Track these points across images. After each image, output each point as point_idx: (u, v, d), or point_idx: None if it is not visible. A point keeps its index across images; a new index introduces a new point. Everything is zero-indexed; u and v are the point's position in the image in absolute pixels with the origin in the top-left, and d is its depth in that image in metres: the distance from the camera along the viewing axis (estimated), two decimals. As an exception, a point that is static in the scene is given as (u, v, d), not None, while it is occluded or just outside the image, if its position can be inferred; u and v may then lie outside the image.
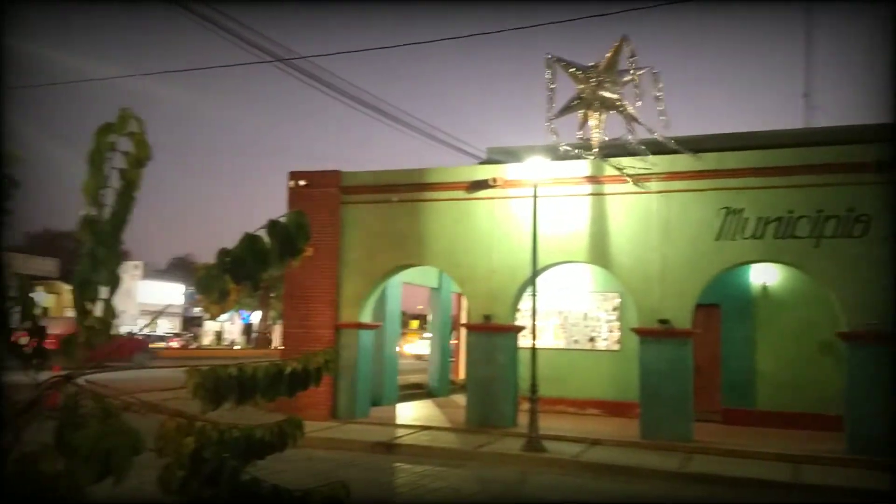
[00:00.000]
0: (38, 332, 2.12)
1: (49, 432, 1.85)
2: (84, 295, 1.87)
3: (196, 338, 61.86)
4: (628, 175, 12.03)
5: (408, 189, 13.50)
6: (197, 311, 59.01)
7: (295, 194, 14.04)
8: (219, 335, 64.81)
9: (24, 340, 2.15)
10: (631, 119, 12.27)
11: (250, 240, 2.02)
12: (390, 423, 12.97)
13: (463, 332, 19.20)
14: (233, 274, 2.02)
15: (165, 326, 52.87)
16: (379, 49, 16.91)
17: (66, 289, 34.82)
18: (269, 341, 56.97)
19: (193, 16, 11.57)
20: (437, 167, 13.89)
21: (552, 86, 12.51)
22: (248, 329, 64.68)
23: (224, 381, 2.13)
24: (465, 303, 17.44)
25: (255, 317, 60.63)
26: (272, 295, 49.98)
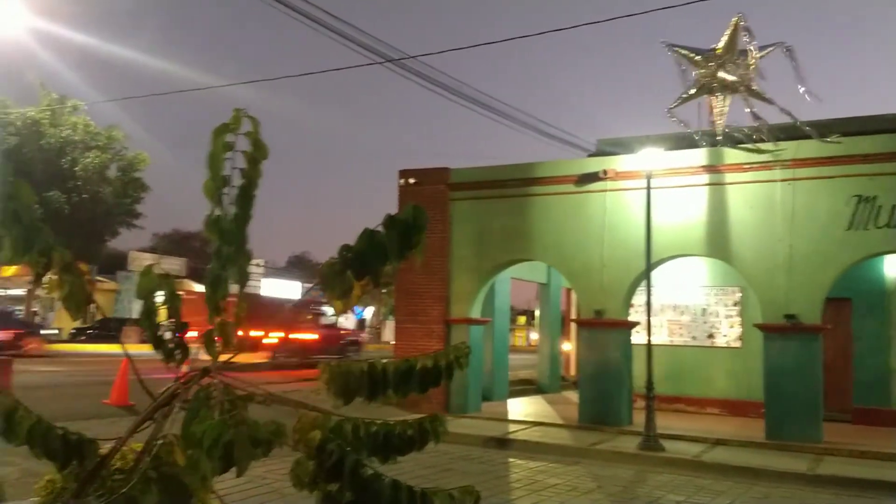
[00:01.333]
0: (180, 328, 2.22)
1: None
2: (216, 292, 1.94)
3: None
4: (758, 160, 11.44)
5: (516, 184, 13.42)
6: (314, 307, 61.05)
7: (405, 192, 14.26)
8: (334, 330, 66.76)
9: (168, 335, 2.26)
10: (758, 99, 11.68)
11: (370, 235, 2.03)
12: (502, 418, 12.95)
13: (573, 327, 18.96)
14: (354, 269, 2.04)
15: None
16: (487, 45, 16.83)
17: (194, 287, 36.82)
18: (381, 335, 58.23)
19: (306, 20, 11.94)
20: (546, 161, 13.74)
21: (682, 69, 12.10)
22: (361, 324, 66.42)
23: (355, 376, 2.16)
24: (574, 298, 17.23)
25: (368, 312, 62.19)
26: (384, 291, 51.00)
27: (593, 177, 12.66)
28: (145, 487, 1.53)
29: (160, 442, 1.79)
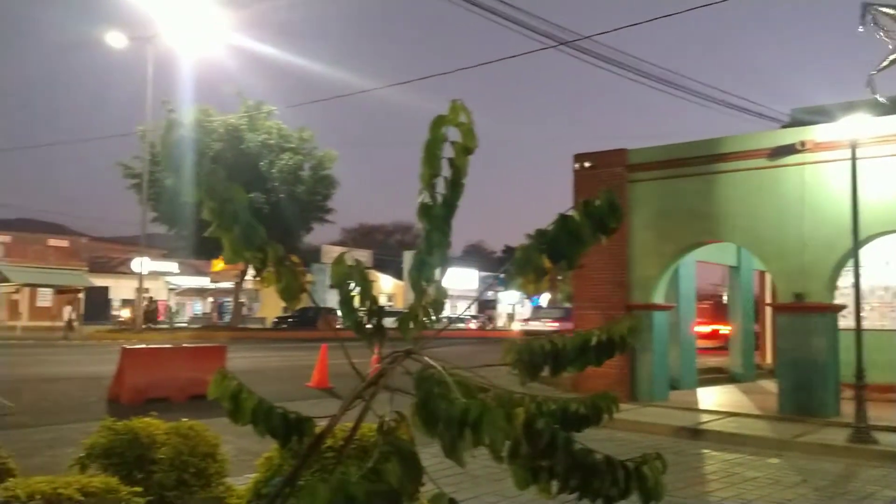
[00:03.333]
0: (378, 313, 2.34)
1: (383, 403, 2.02)
2: (421, 275, 2.03)
3: (491, 319, 65.12)
4: None
5: (701, 161, 12.76)
6: (490, 294, 62.16)
7: (580, 176, 14.04)
8: (511, 317, 67.53)
9: (364, 319, 2.38)
10: None
11: (563, 220, 2.03)
12: (692, 407, 12.43)
13: (768, 312, 17.79)
14: (548, 253, 2.05)
15: (463, 309, 56.31)
16: (664, 17, 16.09)
17: (378, 276, 38.67)
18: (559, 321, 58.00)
19: (477, 8, 12.08)
20: (733, 135, 12.94)
21: (885, 30, 10.97)
22: (536, 311, 66.49)
23: (539, 353, 2.19)
24: (769, 281, 16.13)
25: (544, 299, 62.19)
26: (559, 277, 50.72)
27: (789, 149, 11.74)
28: (386, 461, 1.63)
29: (386, 419, 1.89)
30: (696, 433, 10.33)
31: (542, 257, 2.04)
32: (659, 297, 13.40)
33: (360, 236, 72.90)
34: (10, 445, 4.37)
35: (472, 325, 53.43)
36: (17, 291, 37.80)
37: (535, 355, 2.16)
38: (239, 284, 39.66)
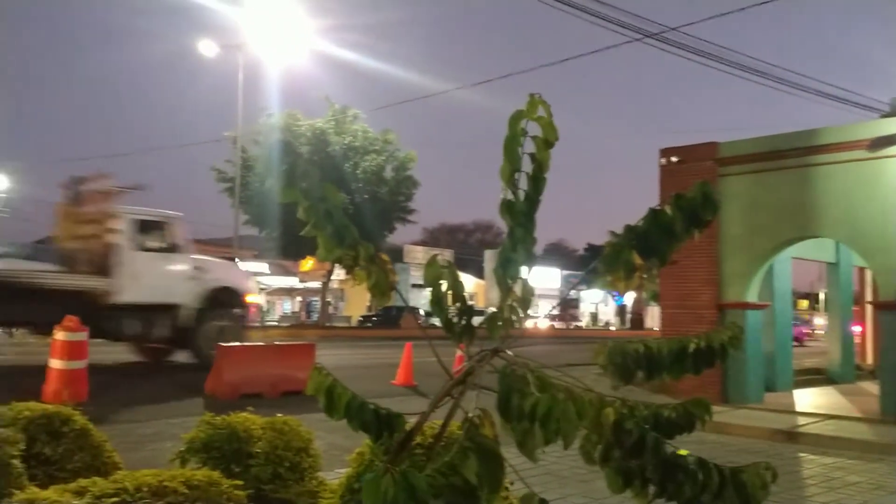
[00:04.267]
0: (467, 312, 2.36)
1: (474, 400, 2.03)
2: (507, 273, 2.03)
3: (574, 319, 64.34)
4: None
5: (797, 153, 12.24)
6: (573, 293, 61.42)
7: (667, 172, 13.69)
8: (594, 316, 66.55)
9: (455, 318, 2.40)
10: None
11: (655, 214, 1.99)
12: (788, 409, 11.94)
13: (869, 310, 16.93)
14: (639, 249, 2.01)
15: (545, 309, 55.88)
16: (754, 6, 15.55)
17: (460, 274, 38.88)
18: (643, 322, 56.79)
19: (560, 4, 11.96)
20: (831, 126, 12.36)
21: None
22: (621, 310, 65.32)
23: (632, 356, 2.15)
24: (869, 277, 15.33)
25: (629, 298, 60.98)
26: (644, 275, 49.76)
27: (890, 140, 11.12)
28: (464, 456, 1.64)
29: (471, 416, 1.90)
30: (792, 436, 9.92)
31: (632, 253, 2.01)
32: (752, 296, 12.93)
33: (442, 235, 73.37)
34: (115, 440, 4.61)
35: (556, 324, 52.93)
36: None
37: (627, 359, 2.13)
38: (326, 284, 40.60)
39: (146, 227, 14.56)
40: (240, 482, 3.04)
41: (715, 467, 1.81)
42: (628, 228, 2.01)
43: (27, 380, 10.02)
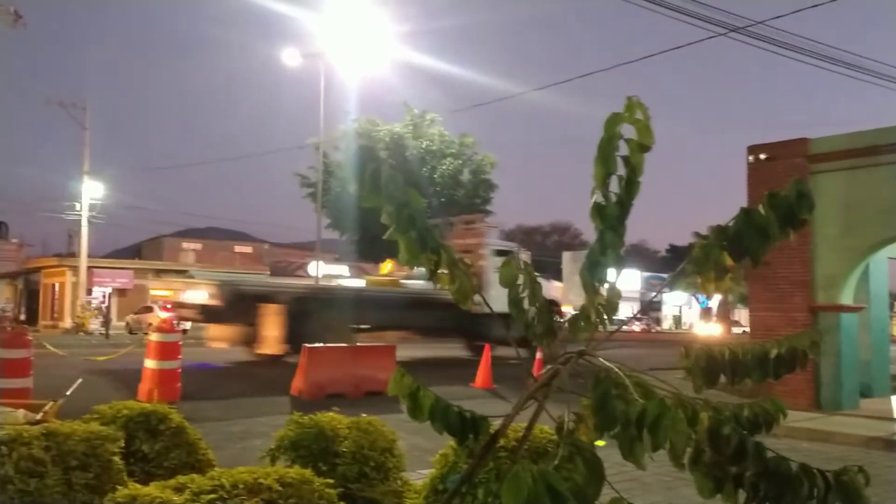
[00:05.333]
0: (547, 314, 2.34)
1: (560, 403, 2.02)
2: (594, 275, 2.01)
3: (657, 322, 62.97)
4: None
5: (893, 149, 11.62)
6: (653, 295, 60.05)
7: (755, 169, 13.25)
8: (677, 319, 64.91)
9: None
10: None
11: (747, 214, 1.93)
12: (885, 416, 11.34)
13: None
14: (730, 250, 1.96)
15: (626, 311, 54.96)
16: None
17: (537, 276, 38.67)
18: (730, 325, 55.06)
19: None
20: (932, 118, 11.68)
21: None
22: (706, 313, 63.52)
23: (717, 360, 2.10)
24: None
25: (714, 300, 59.25)
26: (734, 277, 48.28)
27: None
28: (570, 461, 1.64)
29: (568, 421, 1.89)
30: (891, 444, 9.42)
31: (722, 254, 1.96)
32: (847, 298, 12.35)
33: (518, 237, 73.12)
34: (206, 437, 4.79)
35: (636, 327, 51.90)
36: (209, 294, 41.44)
37: (713, 362, 2.08)
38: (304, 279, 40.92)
39: (500, 254, 19.17)
40: (330, 480, 3.11)
41: (819, 472, 1.74)
42: (719, 228, 1.96)
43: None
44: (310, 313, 15.57)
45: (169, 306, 18.28)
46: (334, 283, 19.77)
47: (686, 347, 2.15)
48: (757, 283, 13.41)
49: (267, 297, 16.29)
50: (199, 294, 16.38)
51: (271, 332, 15.87)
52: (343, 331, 15.86)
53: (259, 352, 16.35)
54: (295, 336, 15.02)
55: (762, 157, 13.15)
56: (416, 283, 19.10)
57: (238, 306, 15.72)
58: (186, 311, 17.21)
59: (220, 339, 17.15)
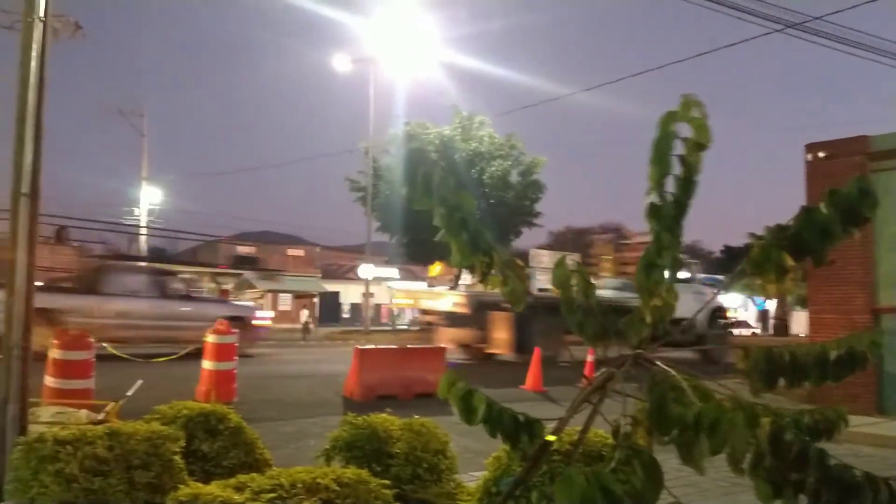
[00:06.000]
0: (601, 315, 2.32)
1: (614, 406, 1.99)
2: (649, 277, 1.98)
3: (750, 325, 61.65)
4: None
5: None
6: (714, 295, 58.55)
7: (813, 168, 12.89)
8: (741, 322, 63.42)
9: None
10: None
11: (808, 213, 1.89)
12: (955, 423, 10.89)
13: None
14: (791, 250, 1.92)
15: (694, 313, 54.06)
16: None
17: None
18: (787, 327, 53.58)
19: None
20: None
21: None
22: (763, 315, 61.97)
23: (777, 362, 2.05)
24: None
25: (771, 302, 57.74)
26: (795, 278, 47.12)
27: None
28: (629, 464, 1.63)
29: (623, 423, 1.87)
30: (962, 453, 9.04)
31: (783, 255, 1.91)
32: (911, 299, 11.91)
33: (567, 239, 72.52)
34: (262, 437, 4.87)
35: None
36: (261, 297, 42.26)
37: (772, 364, 2.04)
38: (453, 289, 41.01)
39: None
40: (387, 481, 3.14)
41: (884, 481, 1.69)
42: (779, 228, 1.91)
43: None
44: (532, 320, 17.34)
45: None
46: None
47: (744, 349, 2.11)
48: (817, 283, 13.03)
49: (499, 305, 18.20)
50: (444, 302, 19.69)
51: (501, 335, 18.43)
52: (558, 336, 17.18)
53: (488, 352, 18.95)
54: (521, 340, 17.66)
55: (821, 154, 12.79)
56: (605, 292, 20.17)
57: (478, 313, 18.44)
58: (430, 317, 21.27)
59: (452, 341, 19.34)
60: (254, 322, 19.48)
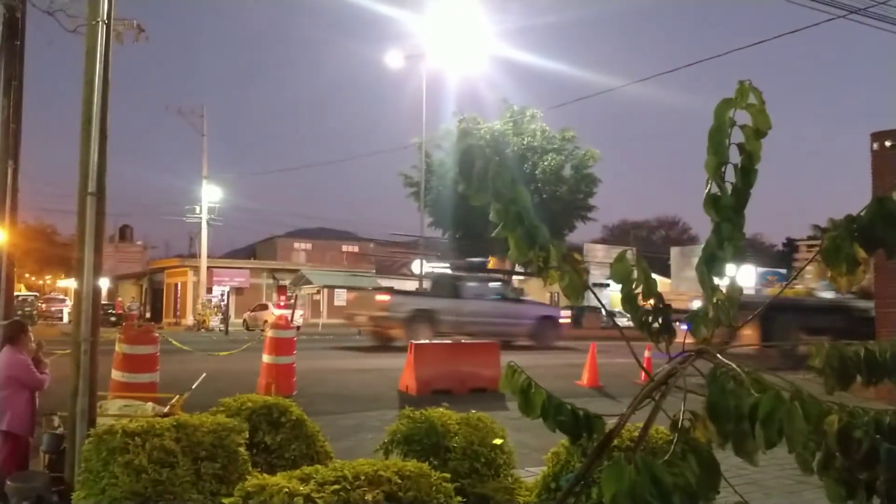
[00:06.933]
0: (664, 311, 2.28)
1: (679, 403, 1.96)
2: (711, 270, 1.94)
3: (772, 319, 59.87)
4: None
5: None
6: (767, 291, 57.09)
7: (879, 157, 12.43)
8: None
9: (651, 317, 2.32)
10: None
11: (880, 203, 1.82)
12: None
13: None
14: (862, 242, 1.86)
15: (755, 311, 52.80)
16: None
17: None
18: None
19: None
20: None
21: None
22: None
23: (852, 359, 1.98)
24: None
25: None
26: (863, 269, 45.77)
27: None
28: (683, 458, 1.60)
29: (683, 419, 1.84)
30: None
31: (854, 246, 1.85)
32: None
33: (623, 233, 71.41)
34: (322, 430, 4.94)
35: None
36: (318, 292, 42.89)
37: (846, 362, 1.97)
38: (506, 284, 40.95)
39: None
40: (447, 475, 3.16)
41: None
42: (849, 219, 1.85)
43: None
44: (773, 318, 17.57)
45: (282, 304, 19.47)
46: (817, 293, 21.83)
47: (815, 346, 2.04)
48: (884, 276, 12.57)
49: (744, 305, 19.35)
50: None
51: (748, 331, 18.81)
52: (794, 333, 17.47)
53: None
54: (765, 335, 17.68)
55: (887, 143, 12.32)
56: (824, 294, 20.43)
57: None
58: None
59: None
60: (560, 321, 23.57)
